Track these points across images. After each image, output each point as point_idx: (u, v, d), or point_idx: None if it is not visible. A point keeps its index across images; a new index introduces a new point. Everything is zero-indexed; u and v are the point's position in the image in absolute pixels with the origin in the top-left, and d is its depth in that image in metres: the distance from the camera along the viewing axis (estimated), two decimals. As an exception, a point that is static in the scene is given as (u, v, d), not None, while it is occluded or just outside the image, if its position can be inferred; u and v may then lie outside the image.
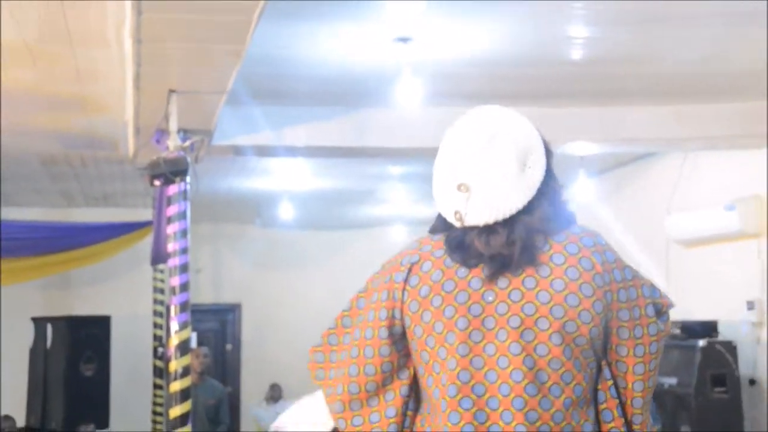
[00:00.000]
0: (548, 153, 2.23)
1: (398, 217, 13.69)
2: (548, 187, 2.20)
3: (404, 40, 5.98)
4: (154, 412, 10.27)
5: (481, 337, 2.12)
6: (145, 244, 9.58)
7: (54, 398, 10.30)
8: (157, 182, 6.34)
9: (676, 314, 2.97)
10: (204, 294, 13.23)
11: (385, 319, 2.22)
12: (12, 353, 11.58)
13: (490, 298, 2.13)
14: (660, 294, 2.28)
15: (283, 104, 7.57)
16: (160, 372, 9.88)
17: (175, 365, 6.29)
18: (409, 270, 2.21)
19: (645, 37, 6.14)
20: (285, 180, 10.67)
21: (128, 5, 4.48)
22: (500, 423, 2.07)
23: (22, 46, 5.56)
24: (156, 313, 10.40)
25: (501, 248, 2.13)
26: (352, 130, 7.76)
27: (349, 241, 14.21)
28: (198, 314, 9.63)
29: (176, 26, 4.75)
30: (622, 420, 2.21)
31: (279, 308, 13.97)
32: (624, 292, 2.19)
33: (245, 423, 13.45)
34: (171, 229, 6.37)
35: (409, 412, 2.23)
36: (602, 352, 2.20)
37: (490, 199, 2.14)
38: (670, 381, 8.28)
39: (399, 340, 2.22)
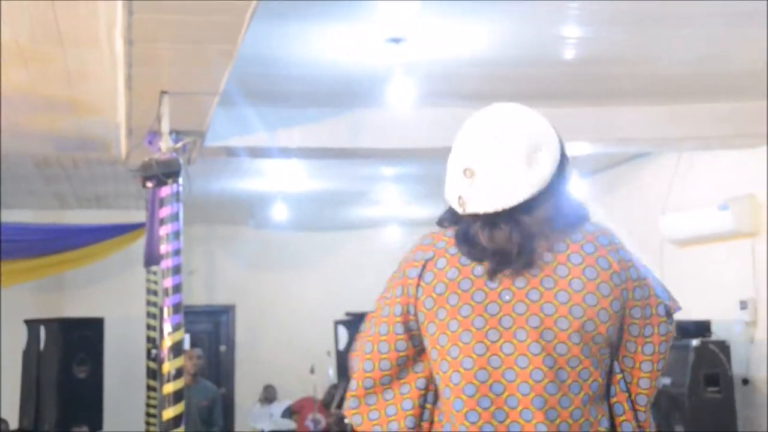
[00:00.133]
0: (564, 155, 2.24)
1: (391, 218, 13.68)
2: (558, 186, 2.20)
3: (396, 40, 5.97)
4: (148, 414, 10.25)
5: (498, 336, 2.13)
6: (138, 245, 9.57)
7: (47, 400, 10.27)
8: (149, 184, 6.31)
9: (670, 314, 2.96)
10: (197, 295, 13.22)
11: (400, 315, 2.23)
12: (5, 356, 11.56)
13: (507, 298, 2.14)
14: (669, 297, 2.30)
15: (276, 105, 7.56)
16: (154, 373, 9.86)
17: (168, 367, 6.26)
18: (423, 266, 2.21)
19: (640, 38, 6.13)
20: (278, 181, 10.65)
21: (119, 5, 4.46)
22: (520, 421, 2.09)
23: (14, 46, 5.53)
24: (149, 315, 10.37)
25: (504, 244, 2.13)
26: (345, 131, 7.74)
27: (343, 242, 14.21)
28: (191, 316, 9.61)
29: (167, 27, 4.72)
30: (633, 413, 2.23)
31: (273, 309, 13.95)
32: (639, 291, 2.22)
33: (239, 424, 13.41)
34: (164, 230, 6.34)
35: (428, 405, 2.23)
36: (616, 348, 2.22)
37: (493, 187, 2.14)
38: (664, 381, 8.27)
39: (415, 335, 2.23)
